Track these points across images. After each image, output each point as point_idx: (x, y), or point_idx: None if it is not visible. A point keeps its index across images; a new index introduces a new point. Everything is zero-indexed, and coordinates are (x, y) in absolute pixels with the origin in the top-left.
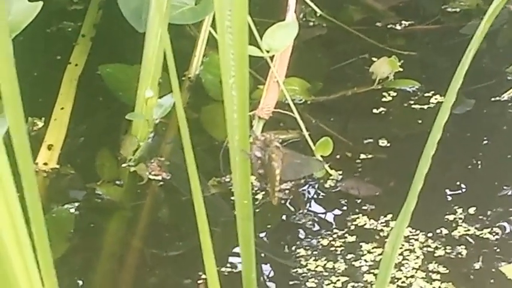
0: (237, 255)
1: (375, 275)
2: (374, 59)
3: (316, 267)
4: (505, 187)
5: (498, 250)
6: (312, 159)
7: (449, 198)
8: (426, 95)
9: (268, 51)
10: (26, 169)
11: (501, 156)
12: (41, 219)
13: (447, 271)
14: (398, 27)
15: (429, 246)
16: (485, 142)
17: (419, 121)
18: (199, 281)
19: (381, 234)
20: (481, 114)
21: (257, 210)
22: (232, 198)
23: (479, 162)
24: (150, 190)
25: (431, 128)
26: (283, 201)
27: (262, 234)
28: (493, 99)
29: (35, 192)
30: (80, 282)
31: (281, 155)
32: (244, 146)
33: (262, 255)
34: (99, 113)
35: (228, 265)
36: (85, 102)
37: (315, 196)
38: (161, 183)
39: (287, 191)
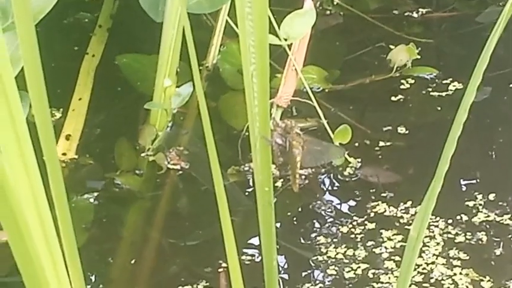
0: (256, 245)
1: (396, 261)
2: (391, 46)
3: (337, 254)
4: None
5: None
6: (332, 146)
7: (469, 184)
8: (444, 82)
9: (286, 40)
10: (50, 156)
11: None
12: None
13: (468, 257)
14: (415, 14)
15: (449, 232)
16: (504, 129)
17: (438, 108)
18: (219, 270)
19: (401, 221)
20: (498, 101)
21: (276, 199)
22: (250, 187)
23: (498, 148)
24: (169, 179)
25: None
26: (302, 189)
27: (281, 223)
28: (511, 85)
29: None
30: (100, 272)
31: (302, 142)
32: (265, 132)
33: (282, 243)
34: (117, 103)
35: (248, 254)
36: (103, 92)
37: (334, 184)
38: (180, 172)
39: (306, 178)
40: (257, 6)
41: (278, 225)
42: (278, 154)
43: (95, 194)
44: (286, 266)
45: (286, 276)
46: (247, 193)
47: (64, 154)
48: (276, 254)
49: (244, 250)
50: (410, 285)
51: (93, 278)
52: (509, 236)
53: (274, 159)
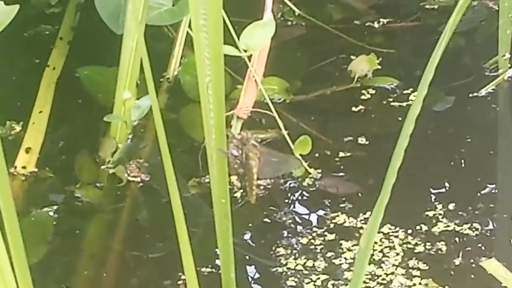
0: (217, 256)
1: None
2: (353, 57)
3: (296, 265)
4: (485, 183)
5: (478, 246)
6: (290, 157)
7: (429, 194)
8: (405, 92)
9: (245, 51)
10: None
11: (481, 152)
12: (15, 224)
13: (427, 267)
14: (376, 25)
15: (409, 242)
16: (465, 139)
17: (398, 118)
18: (179, 282)
19: (360, 231)
20: (460, 110)
21: (236, 210)
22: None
23: (459, 158)
24: (129, 192)
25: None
26: (262, 200)
27: (241, 234)
28: (471, 95)
29: (8, 196)
30: (60, 286)
31: (258, 154)
32: (221, 144)
33: (242, 254)
34: (78, 116)
35: (208, 266)
36: (63, 105)
37: (294, 195)
38: (140, 184)
39: (266, 190)
40: (211, 17)
41: (238, 236)
42: (235, 166)
43: (55, 207)
44: (246, 278)
45: None
46: (208, 205)
47: (24, 167)
48: (234, 265)
49: (205, 261)
50: None
51: None
52: (469, 245)
53: (232, 171)
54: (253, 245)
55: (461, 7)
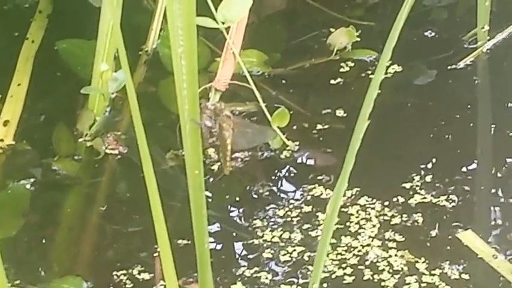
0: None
1: (331, 244)
2: (332, 30)
3: (273, 237)
4: (462, 155)
5: (455, 217)
6: (265, 128)
7: (407, 166)
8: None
9: (223, 23)
10: None
11: (460, 125)
12: None
13: (403, 239)
14: None
15: (385, 214)
16: (444, 111)
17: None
18: (155, 254)
19: None
20: (439, 83)
21: (214, 182)
22: None
23: (438, 131)
24: (107, 164)
25: (389, 98)
26: (239, 173)
27: (218, 206)
28: (449, 67)
29: None
30: (38, 258)
31: (232, 124)
32: (194, 115)
33: (219, 227)
34: (57, 89)
35: (185, 238)
36: (42, 78)
37: (272, 167)
38: (118, 157)
39: (243, 162)
40: None
41: (215, 209)
42: (209, 137)
43: (32, 180)
44: (221, 250)
45: (221, 260)
46: (185, 177)
47: (1, 140)
48: (207, 237)
49: (181, 234)
50: (345, 268)
51: (30, 262)
52: (445, 217)
53: (204, 143)
54: (230, 217)
55: None
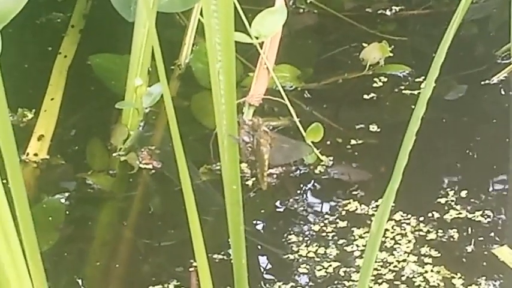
0: (229, 243)
1: None
2: (365, 45)
3: (308, 253)
4: (497, 171)
5: (490, 233)
6: (301, 143)
7: (442, 182)
8: (417, 80)
9: (257, 38)
10: (11, 161)
11: (494, 140)
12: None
13: (439, 255)
14: (388, 13)
15: (421, 230)
16: (477, 127)
17: (410, 106)
18: (190, 269)
19: (372, 219)
20: (472, 99)
21: (248, 197)
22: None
23: (471, 146)
24: (141, 179)
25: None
26: (274, 188)
27: (253, 221)
28: (482, 83)
29: (20, 183)
30: (72, 272)
31: (269, 140)
32: (232, 130)
33: (254, 242)
34: (90, 103)
35: (220, 253)
36: (75, 92)
37: (306, 182)
38: (152, 171)
39: (278, 177)
40: (223, 3)
41: (250, 224)
42: (246, 152)
43: (66, 194)
44: (257, 265)
45: (257, 275)
46: (220, 192)
47: (36, 155)
48: (245, 252)
49: (217, 249)
50: (381, 283)
51: (64, 277)
52: (481, 232)
53: (242, 158)
54: (265, 232)
55: None
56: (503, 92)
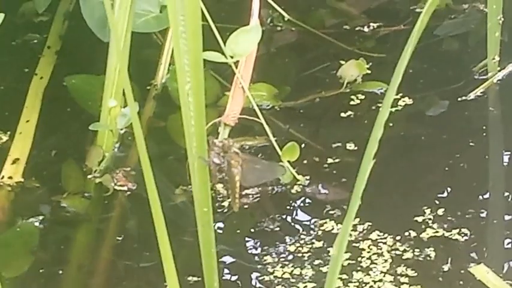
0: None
1: (343, 280)
2: (342, 62)
3: (283, 274)
4: (475, 188)
5: (467, 251)
6: (274, 164)
7: (419, 200)
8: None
9: (232, 57)
10: None
11: (471, 157)
12: None
13: (416, 274)
14: (366, 29)
15: (397, 249)
16: (454, 143)
17: (387, 124)
18: None
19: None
20: (448, 115)
21: (224, 218)
22: None
23: (449, 163)
24: (116, 201)
25: (400, 130)
26: (250, 208)
27: (229, 242)
28: (459, 99)
29: None
30: None
31: (240, 161)
32: (201, 152)
33: (229, 262)
34: (66, 125)
35: (195, 275)
36: (51, 114)
37: (282, 202)
38: (128, 193)
39: (253, 197)
40: (190, 24)
41: (225, 244)
42: (216, 174)
43: (41, 217)
44: (232, 286)
45: None
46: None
47: (10, 178)
48: (217, 275)
49: (191, 271)
50: None
51: None
52: (458, 251)
53: (212, 179)
54: (241, 253)
55: (428, 9)
56: (481, 108)
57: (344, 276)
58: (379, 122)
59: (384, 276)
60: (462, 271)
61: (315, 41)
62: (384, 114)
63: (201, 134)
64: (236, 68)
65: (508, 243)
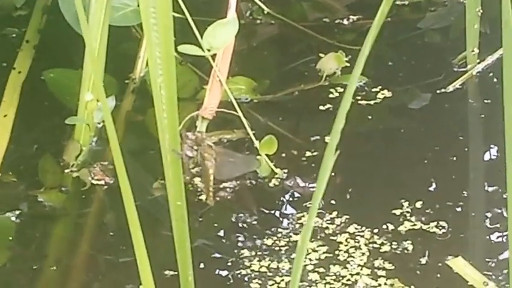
0: None
1: (320, 273)
2: (322, 55)
3: (260, 267)
4: (452, 181)
5: (445, 244)
6: (248, 157)
7: (397, 193)
8: (373, 90)
9: (209, 50)
10: None
11: (449, 150)
12: None
13: (393, 267)
14: (346, 22)
15: (375, 242)
16: (432, 136)
17: (366, 117)
18: (140, 286)
19: (326, 232)
20: (428, 108)
21: (201, 212)
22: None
23: (426, 156)
24: (93, 195)
25: (378, 123)
26: (227, 202)
27: (206, 236)
28: (438, 91)
29: None
30: None
31: (214, 154)
32: (174, 145)
33: (206, 257)
34: (44, 120)
35: (172, 269)
36: (29, 108)
37: (260, 195)
38: (105, 187)
39: (231, 191)
40: (161, 16)
41: (203, 238)
42: (191, 167)
43: (17, 212)
44: (208, 280)
45: None
46: None
47: None
48: (191, 269)
49: (168, 265)
50: None
51: None
52: (435, 244)
53: (185, 173)
54: (218, 247)
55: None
56: (459, 101)
57: (321, 270)
58: (340, 114)
59: (361, 269)
60: (440, 264)
61: (294, 34)
62: (346, 106)
63: (173, 127)
64: (214, 61)
65: (486, 236)
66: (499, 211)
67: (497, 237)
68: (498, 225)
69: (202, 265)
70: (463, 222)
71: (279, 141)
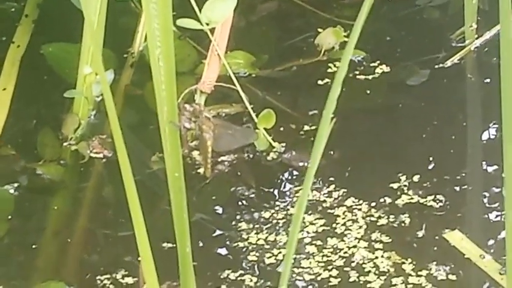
0: None
1: (317, 246)
2: (320, 30)
3: (258, 240)
4: (450, 155)
5: (442, 218)
6: (246, 129)
7: (395, 167)
8: (372, 64)
9: (208, 24)
10: None
11: (447, 124)
12: None
13: (390, 240)
14: None
15: (372, 215)
16: (431, 111)
17: (365, 91)
18: (139, 258)
19: (324, 205)
20: (427, 83)
21: (201, 185)
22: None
23: (425, 130)
24: (92, 168)
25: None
26: (225, 175)
27: (204, 209)
28: (436, 66)
29: None
30: (22, 261)
31: (212, 126)
32: (172, 117)
33: (204, 229)
34: (42, 93)
35: (169, 241)
36: (28, 82)
37: (258, 169)
38: (104, 160)
39: (229, 164)
40: None
41: (201, 211)
42: (189, 139)
43: (16, 184)
44: (206, 253)
45: (205, 263)
46: None
47: None
48: (189, 240)
49: (168, 238)
50: (331, 270)
51: (12, 268)
52: (432, 217)
53: (184, 145)
54: (216, 220)
55: None
56: (458, 76)
57: (318, 242)
58: (337, 81)
59: (359, 242)
60: (437, 237)
61: (294, 9)
62: (341, 74)
63: (171, 99)
64: (212, 35)
65: (483, 210)
66: (497, 189)
67: (494, 211)
68: (495, 200)
69: (200, 238)
70: (460, 197)
71: (277, 116)
